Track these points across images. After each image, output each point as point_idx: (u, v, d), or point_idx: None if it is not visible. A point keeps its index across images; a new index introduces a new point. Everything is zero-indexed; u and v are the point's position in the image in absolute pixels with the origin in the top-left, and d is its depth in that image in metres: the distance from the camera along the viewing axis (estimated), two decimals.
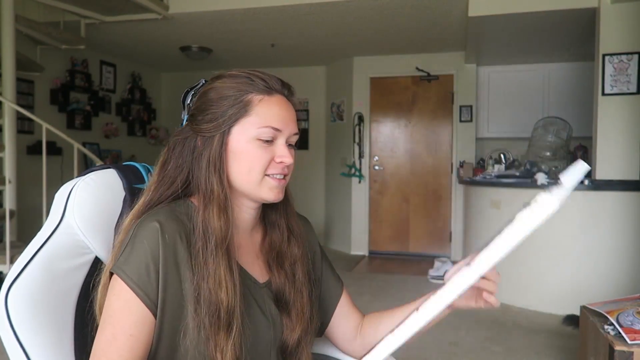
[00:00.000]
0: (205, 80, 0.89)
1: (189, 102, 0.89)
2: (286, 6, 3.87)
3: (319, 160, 6.19)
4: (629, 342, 1.71)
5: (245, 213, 0.88)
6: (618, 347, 1.71)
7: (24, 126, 4.42)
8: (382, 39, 4.81)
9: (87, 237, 0.89)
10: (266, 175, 0.84)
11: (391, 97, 5.61)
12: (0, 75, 3.48)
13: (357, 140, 5.59)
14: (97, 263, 0.90)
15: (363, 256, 5.55)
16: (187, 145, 0.85)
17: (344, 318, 1.01)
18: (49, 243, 0.87)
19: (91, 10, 4.04)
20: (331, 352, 1.09)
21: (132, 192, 0.94)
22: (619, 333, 1.77)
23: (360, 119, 5.59)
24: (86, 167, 4.82)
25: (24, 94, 4.47)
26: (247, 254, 0.89)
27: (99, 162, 3.72)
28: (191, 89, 0.90)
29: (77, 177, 0.95)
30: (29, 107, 4.48)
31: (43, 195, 3.18)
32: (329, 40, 4.89)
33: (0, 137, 3.49)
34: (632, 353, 1.69)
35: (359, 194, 5.64)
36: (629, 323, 1.79)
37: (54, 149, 4.57)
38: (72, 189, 0.91)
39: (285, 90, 0.87)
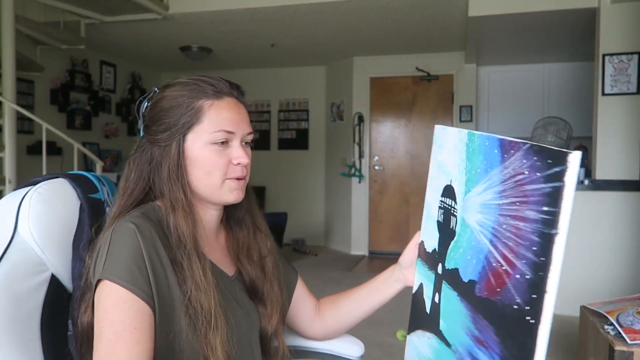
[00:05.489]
0: (157, 89, 0.91)
1: (143, 110, 0.90)
2: (286, 6, 3.87)
3: (319, 160, 6.19)
4: (629, 342, 1.71)
5: (209, 215, 0.91)
6: (618, 347, 1.71)
7: (24, 126, 4.42)
8: (382, 39, 4.81)
9: (45, 253, 0.84)
10: (226, 178, 0.86)
11: (391, 97, 5.60)
12: (0, 75, 3.48)
13: (357, 140, 5.59)
14: (54, 282, 0.85)
15: (363, 256, 5.55)
16: (144, 156, 0.86)
17: (302, 303, 1.06)
18: (4, 262, 0.80)
19: (91, 10, 4.04)
20: (300, 343, 1.12)
21: (88, 202, 0.91)
22: (619, 333, 1.77)
23: (360, 119, 5.59)
24: (86, 167, 4.82)
25: (24, 94, 4.47)
26: (215, 251, 0.92)
27: (99, 162, 3.72)
28: (144, 98, 0.91)
29: (19, 187, 0.89)
30: (29, 107, 4.48)
31: None
32: (329, 40, 4.89)
33: (0, 137, 3.49)
34: (632, 353, 1.69)
35: (359, 194, 5.64)
36: (629, 323, 1.79)
37: (54, 149, 4.57)
38: (22, 201, 0.85)
39: (235, 91, 0.89)
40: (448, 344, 0.72)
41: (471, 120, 5.35)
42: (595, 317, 2.01)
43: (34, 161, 4.38)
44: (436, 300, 0.78)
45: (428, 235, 0.85)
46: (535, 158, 0.54)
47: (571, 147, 5.03)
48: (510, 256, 0.57)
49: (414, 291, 0.91)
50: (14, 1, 3.40)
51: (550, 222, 0.51)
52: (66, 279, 0.87)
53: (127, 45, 5.14)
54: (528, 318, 0.53)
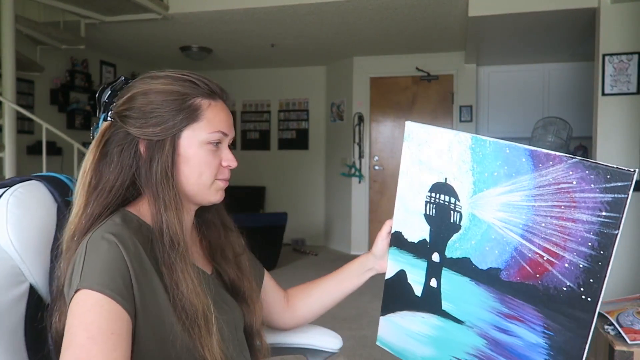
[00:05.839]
0: (125, 78, 0.86)
1: (105, 99, 0.85)
2: (286, 6, 3.87)
3: (319, 160, 6.19)
4: (629, 342, 1.71)
5: (188, 215, 0.90)
6: (618, 347, 1.71)
7: (24, 126, 4.41)
8: (382, 39, 4.81)
9: (25, 262, 0.77)
10: (215, 179, 0.86)
11: (391, 97, 5.60)
12: (0, 75, 3.48)
13: (357, 140, 5.59)
14: (33, 293, 0.79)
15: None
16: (126, 151, 0.80)
17: (271, 296, 1.07)
18: None
19: (91, 10, 4.04)
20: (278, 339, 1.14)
21: (67, 207, 0.85)
22: (619, 333, 1.77)
23: (360, 119, 5.59)
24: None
25: (24, 94, 4.47)
26: (192, 252, 0.91)
27: None
28: (108, 85, 0.86)
29: None
30: (29, 107, 4.48)
31: None
32: (329, 40, 4.89)
33: (0, 137, 3.49)
34: (632, 353, 1.69)
35: (359, 194, 5.64)
36: (629, 323, 1.79)
37: (54, 149, 4.57)
38: None
39: (224, 95, 0.88)
40: (459, 321, 0.84)
41: (471, 121, 5.35)
42: None
43: (34, 161, 4.38)
44: (432, 284, 0.88)
45: (408, 226, 0.93)
46: (587, 172, 0.66)
47: (571, 147, 5.03)
48: (554, 249, 0.69)
49: (387, 277, 0.99)
50: (14, 1, 3.40)
51: (611, 224, 0.64)
52: (44, 290, 0.82)
53: (127, 45, 5.14)
54: (584, 297, 0.67)
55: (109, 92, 0.85)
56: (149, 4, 3.75)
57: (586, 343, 0.67)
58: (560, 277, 0.69)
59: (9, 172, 3.38)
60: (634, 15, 3.45)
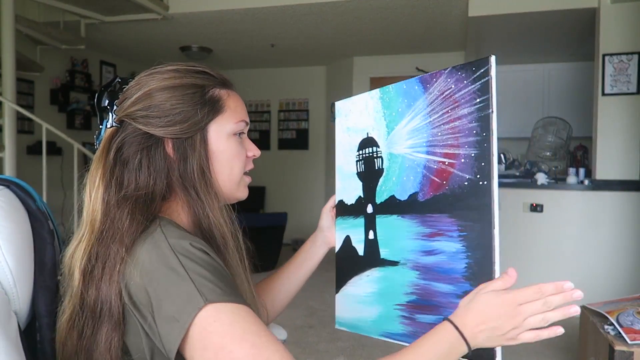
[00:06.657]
0: (121, 78, 0.80)
1: (106, 104, 0.78)
2: (286, 6, 3.87)
3: (319, 160, 6.19)
4: (629, 342, 1.71)
5: None
6: (618, 347, 1.71)
7: (24, 126, 4.42)
8: (382, 39, 4.81)
9: (17, 286, 0.65)
10: (243, 173, 0.83)
11: None
12: (0, 75, 3.48)
13: None
14: (19, 327, 0.65)
15: None
16: (154, 154, 0.74)
17: None
18: None
19: (91, 10, 4.04)
20: None
21: (43, 216, 0.77)
22: (619, 333, 1.77)
23: None
24: (86, 167, 4.81)
25: (24, 94, 4.47)
26: None
27: None
28: (105, 88, 0.79)
29: None
30: (29, 107, 4.48)
31: (43, 196, 3.18)
32: (329, 40, 4.89)
33: (0, 137, 3.49)
34: (632, 353, 1.69)
35: None
36: (629, 323, 1.79)
37: (54, 149, 4.57)
38: None
39: (233, 84, 0.84)
40: (394, 263, 0.85)
41: None
42: (595, 317, 2.02)
43: (34, 161, 4.37)
44: (370, 237, 0.92)
45: (347, 191, 0.99)
46: (459, 73, 0.73)
47: (571, 147, 5.03)
48: (451, 150, 0.75)
49: (337, 249, 1.02)
50: (14, 1, 3.40)
51: (484, 106, 0.71)
52: (23, 318, 0.70)
53: (127, 45, 5.14)
54: (481, 183, 0.70)
55: (107, 95, 0.79)
56: (149, 4, 3.75)
57: (494, 229, 0.68)
58: (460, 174, 0.74)
59: (9, 172, 3.38)
60: (634, 15, 3.45)
